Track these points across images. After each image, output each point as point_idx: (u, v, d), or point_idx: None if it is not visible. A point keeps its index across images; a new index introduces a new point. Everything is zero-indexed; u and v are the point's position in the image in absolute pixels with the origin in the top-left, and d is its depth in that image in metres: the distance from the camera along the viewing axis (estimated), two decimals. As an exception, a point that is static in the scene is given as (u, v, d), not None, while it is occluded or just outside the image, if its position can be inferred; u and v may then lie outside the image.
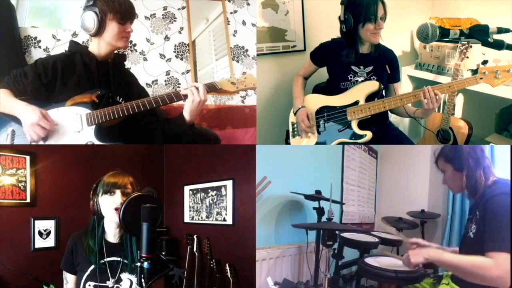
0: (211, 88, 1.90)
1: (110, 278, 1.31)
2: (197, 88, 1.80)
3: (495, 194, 1.49)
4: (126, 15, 1.85)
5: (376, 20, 2.00)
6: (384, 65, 2.17)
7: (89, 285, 1.32)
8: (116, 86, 1.96)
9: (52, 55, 1.99)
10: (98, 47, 1.90)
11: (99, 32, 1.83)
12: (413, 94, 2.01)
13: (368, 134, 2.15)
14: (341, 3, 2.06)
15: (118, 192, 1.36)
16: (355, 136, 2.16)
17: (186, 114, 1.82)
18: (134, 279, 1.33)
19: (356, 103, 2.15)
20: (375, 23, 2.00)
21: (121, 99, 1.96)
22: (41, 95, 1.83)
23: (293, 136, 2.32)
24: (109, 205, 1.35)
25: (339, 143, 2.19)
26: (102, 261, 1.34)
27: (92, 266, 1.34)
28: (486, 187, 1.55)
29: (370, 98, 2.15)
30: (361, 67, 2.18)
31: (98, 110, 1.80)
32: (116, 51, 2.00)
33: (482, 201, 1.52)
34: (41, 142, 1.79)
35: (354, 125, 2.16)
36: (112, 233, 1.41)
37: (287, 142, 2.39)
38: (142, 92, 2.11)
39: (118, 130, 1.91)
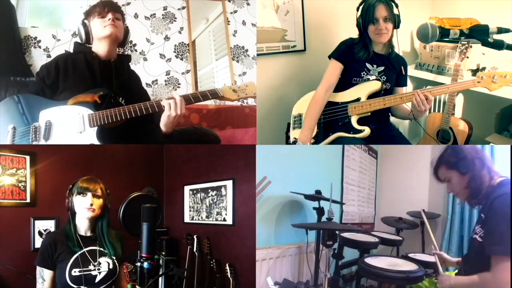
0: (213, 95, 1.94)
1: (92, 263, 1.55)
2: (175, 102, 1.82)
3: (500, 194, 1.44)
4: (105, 7, 1.96)
5: (375, 22, 2.09)
6: (395, 68, 2.27)
7: (74, 271, 1.52)
8: (117, 86, 1.99)
9: (55, 57, 2.06)
10: (97, 48, 2.00)
11: (88, 38, 1.99)
12: (412, 93, 2.09)
13: (366, 130, 2.19)
14: (356, 9, 2.20)
15: (89, 194, 1.57)
16: (353, 130, 2.20)
17: (162, 126, 1.85)
18: (110, 261, 1.58)
19: (357, 99, 2.22)
20: (375, 25, 2.10)
21: (122, 100, 1.98)
22: (45, 95, 1.92)
23: (293, 128, 2.35)
24: (82, 204, 1.57)
25: (337, 137, 2.22)
26: (82, 250, 1.55)
27: (75, 256, 1.53)
28: (490, 187, 1.49)
29: (371, 97, 2.22)
30: (374, 66, 2.25)
31: (100, 112, 1.82)
32: (119, 51, 2.08)
33: (487, 202, 1.47)
34: (42, 141, 1.79)
35: (353, 120, 2.21)
36: (83, 228, 1.61)
37: (287, 135, 2.42)
38: (143, 95, 2.13)
39: (120, 132, 1.92)
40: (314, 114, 2.22)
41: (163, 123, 1.84)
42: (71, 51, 2.08)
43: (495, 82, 1.94)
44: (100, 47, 1.99)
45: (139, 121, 1.93)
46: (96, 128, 1.81)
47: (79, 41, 2.05)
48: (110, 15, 1.96)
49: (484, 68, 2.48)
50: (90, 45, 2.03)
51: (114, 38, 1.99)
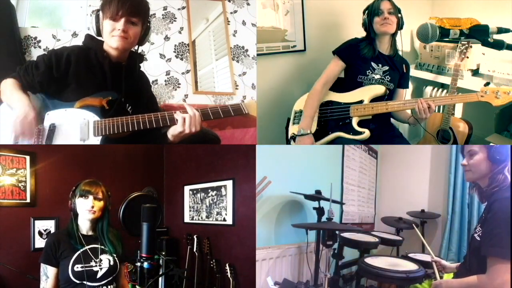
0: (237, 111, 1.75)
1: (94, 260, 1.61)
2: (190, 118, 1.67)
3: (502, 197, 1.44)
4: (119, 11, 1.68)
5: (381, 13, 2.18)
6: (398, 69, 2.32)
7: (77, 267, 1.58)
8: (126, 91, 1.85)
9: (66, 47, 1.84)
10: (107, 48, 1.82)
11: (99, 33, 1.77)
12: (415, 101, 2.13)
13: (366, 132, 2.20)
14: (363, 13, 2.30)
15: (91, 197, 1.63)
16: (353, 131, 2.21)
17: (170, 136, 1.74)
18: (110, 258, 1.65)
19: (360, 102, 2.24)
20: (379, 16, 2.19)
21: (129, 107, 1.87)
22: (50, 89, 1.75)
23: (293, 124, 2.36)
24: (84, 206, 1.63)
25: (337, 137, 2.23)
26: (84, 248, 1.62)
27: (77, 253, 1.60)
28: (500, 188, 1.47)
29: (374, 100, 2.24)
30: (379, 65, 2.28)
31: (106, 120, 1.71)
32: (133, 49, 1.89)
33: (489, 203, 1.48)
34: (32, 141, 1.74)
35: (354, 121, 2.23)
36: (85, 228, 1.67)
37: (286, 129, 2.43)
38: (151, 100, 2.06)
39: (125, 142, 1.82)
40: (313, 104, 2.27)
41: (171, 134, 1.72)
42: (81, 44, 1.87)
43: (498, 97, 2.01)
44: (109, 49, 1.80)
45: (147, 133, 1.79)
46: (100, 137, 1.70)
47: (91, 33, 1.83)
48: (121, 24, 1.70)
49: (488, 83, 2.52)
50: (101, 39, 1.82)
51: (121, 50, 1.79)
